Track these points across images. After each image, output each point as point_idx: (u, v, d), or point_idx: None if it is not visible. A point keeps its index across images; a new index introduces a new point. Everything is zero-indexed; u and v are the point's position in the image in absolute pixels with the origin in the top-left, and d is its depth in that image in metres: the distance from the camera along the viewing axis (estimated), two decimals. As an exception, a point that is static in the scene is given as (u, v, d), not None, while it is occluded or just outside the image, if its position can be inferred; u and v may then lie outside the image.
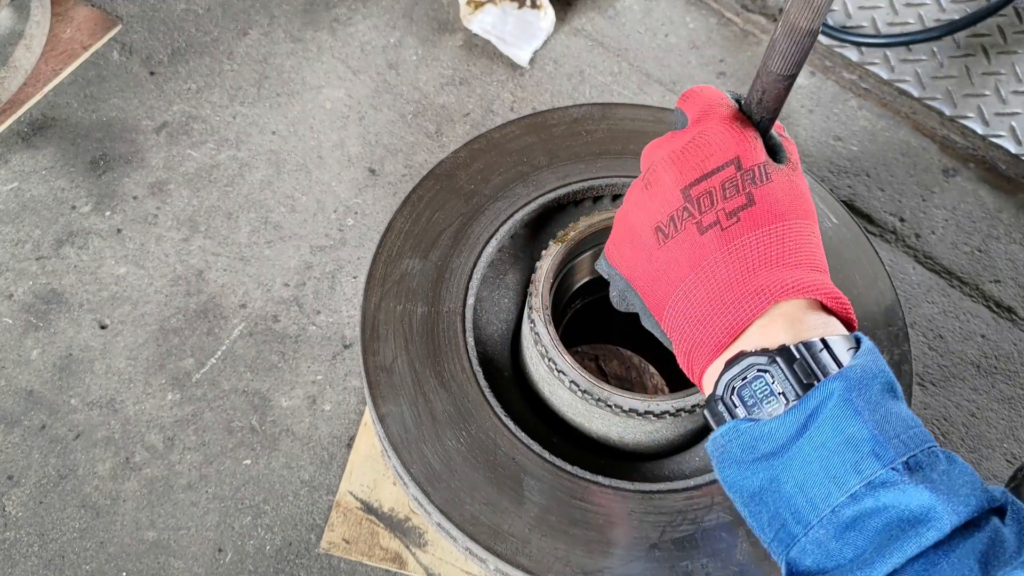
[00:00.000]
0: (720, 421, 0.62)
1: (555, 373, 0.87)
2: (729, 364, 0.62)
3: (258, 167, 1.32)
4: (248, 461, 1.10)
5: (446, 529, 0.87)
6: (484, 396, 0.91)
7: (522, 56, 1.43)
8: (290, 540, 1.06)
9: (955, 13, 1.50)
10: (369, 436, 1.10)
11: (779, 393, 0.59)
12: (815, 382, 0.58)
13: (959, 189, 1.37)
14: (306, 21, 1.47)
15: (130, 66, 1.40)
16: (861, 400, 0.56)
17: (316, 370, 1.17)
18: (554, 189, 1.04)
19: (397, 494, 1.06)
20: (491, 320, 1.02)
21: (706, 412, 0.64)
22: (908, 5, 1.52)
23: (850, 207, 1.32)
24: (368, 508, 1.06)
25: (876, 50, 1.47)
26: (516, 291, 1.04)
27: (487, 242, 1.00)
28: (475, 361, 0.93)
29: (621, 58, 1.47)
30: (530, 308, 0.89)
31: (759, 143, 0.66)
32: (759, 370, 0.60)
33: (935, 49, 1.48)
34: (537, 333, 0.87)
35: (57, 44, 1.40)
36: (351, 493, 1.07)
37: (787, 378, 0.59)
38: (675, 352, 0.67)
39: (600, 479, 0.88)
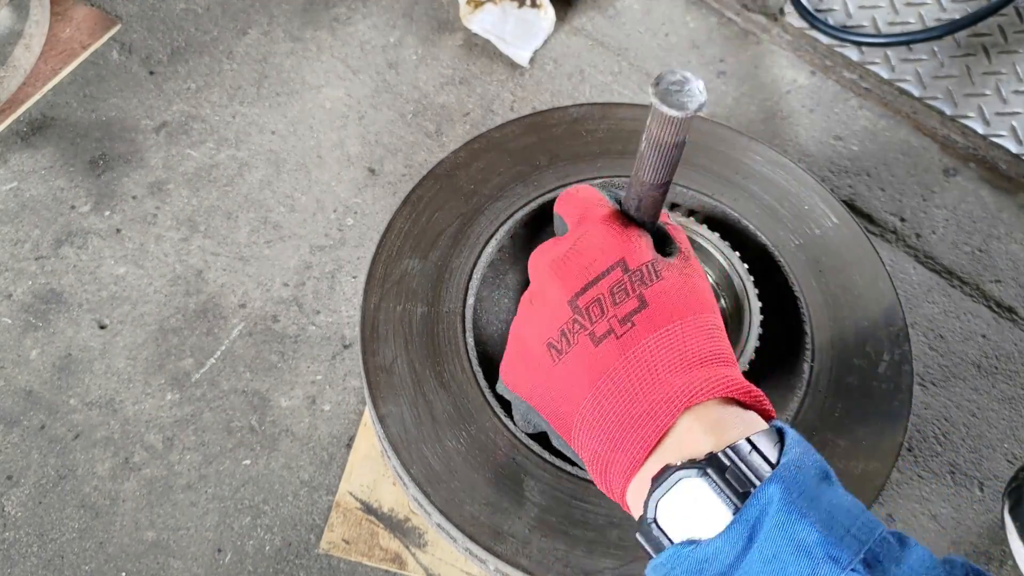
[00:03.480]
0: (658, 547, 0.56)
1: (555, 373, 0.87)
2: (656, 480, 0.56)
3: (257, 167, 1.32)
4: (247, 461, 1.10)
5: (446, 530, 0.86)
6: (484, 396, 0.91)
7: (522, 56, 1.42)
8: (290, 540, 1.06)
9: (956, 12, 1.50)
10: (369, 436, 1.10)
11: (717, 507, 0.54)
12: (751, 489, 0.53)
13: (960, 189, 1.37)
14: (306, 20, 1.47)
15: (129, 65, 1.40)
16: (803, 500, 0.52)
17: (316, 370, 1.16)
18: (554, 189, 1.04)
19: (397, 494, 1.06)
20: (491, 320, 1.02)
21: (639, 537, 0.58)
22: (909, 5, 1.52)
23: (850, 207, 1.32)
24: (368, 508, 1.06)
25: (877, 50, 1.47)
26: (516, 291, 1.04)
27: (487, 242, 1.00)
28: (475, 361, 0.93)
29: (621, 58, 1.47)
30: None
31: (643, 240, 0.63)
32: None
33: (936, 49, 1.48)
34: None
35: (56, 43, 1.40)
36: (351, 493, 1.07)
37: (721, 490, 0.54)
38: (589, 473, 0.63)
39: (600, 479, 0.87)
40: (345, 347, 1.18)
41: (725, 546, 0.53)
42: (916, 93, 1.43)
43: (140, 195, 1.29)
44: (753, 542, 0.52)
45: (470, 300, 0.97)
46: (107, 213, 1.27)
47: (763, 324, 0.94)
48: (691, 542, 0.54)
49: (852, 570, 0.51)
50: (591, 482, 0.87)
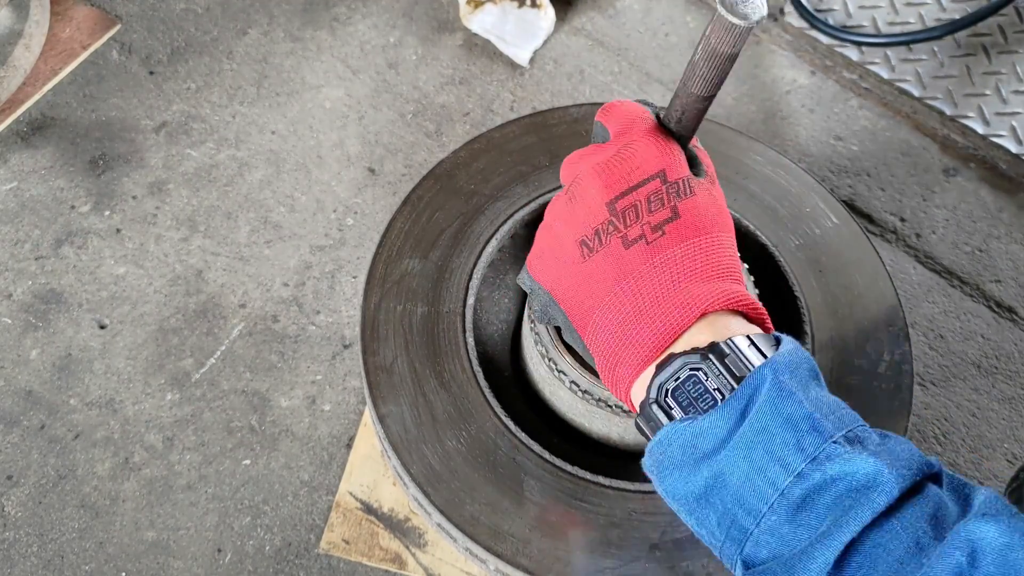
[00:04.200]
0: (656, 427, 0.61)
1: (555, 373, 0.87)
2: (660, 367, 0.61)
3: (257, 167, 1.32)
4: (247, 461, 1.10)
5: (446, 529, 0.86)
6: (484, 396, 0.91)
7: (522, 56, 1.42)
8: (289, 540, 1.06)
9: (956, 12, 1.50)
10: (369, 436, 1.10)
11: (714, 389, 0.59)
12: (748, 373, 0.58)
13: (960, 189, 1.37)
14: (306, 20, 1.47)
15: (129, 65, 1.40)
16: (793, 382, 0.57)
17: (316, 370, 1.16)
18: (554, 189, 1.04)
19: (397, 494, 1.06)
20: (491, 320, 1.02)
21: (639, 421, 0.62)
22: (909, 5, 1.52)
23: (851, 207, 1.32)
24: (368, 508, 1.06)
25: (877, 50, 1.47)
26: (516, 291, 1.04)
27: (487, 242, 1.00)
28: (475, 361, 0.93)
29: (621, 57, 1.47)
30: (530, 308, 0.89)
31: (682, 156, 0.66)
32: (692, 368, 0.59)
33: (936, 49, 1.48)
34: (537, 333, 0.87)
35: (56, 43, 1.40)
36: (351, 493, 1.07)
37: (721, 373, 0.59)
38: (598, 367, 0.66)
39: (600, 479, 0.87)
40: (345, 347, 1.18)
41: (719, 421, 0.57)
42: (916, 93, 1.43)
43: (140, 195, 1.29)
44: (745, 417, 0.57)
45: (470, 300, 0.97)
46: (107, 213, 1.27)
47: (763, 324, 0.93)
48: (688, 419, 0.58)
49: (834, 442, 0.55)
50: (591, 482, 0.87)
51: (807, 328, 0.98)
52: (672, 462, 0.59)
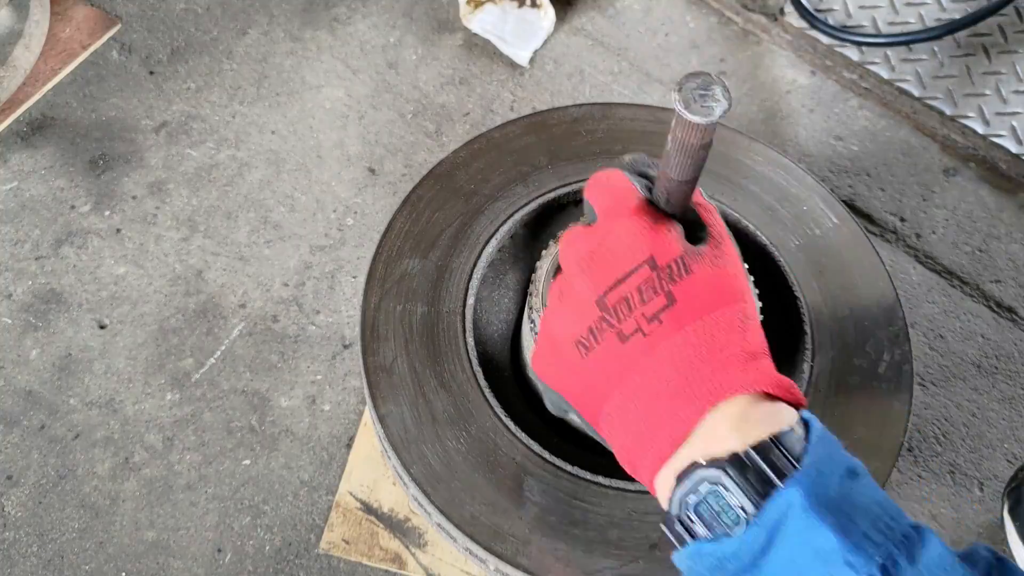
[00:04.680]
0: (680, 541, 0.59)
1: (555, 373, 0.87)
2: (680, 479, 0.58)
3: (257, 166, 1.32)
4: (247, 461, 1.10)
5: (446, 529, 0.86)
6: (484, 396, 0.91)
7: (522, 56, 1.42)
8: (289, 540, 1.06)
9: (956, 12, 1.50)
10: (369, 436, 1.10)
11: (738, 507, 0.55)
12: (772, 490, 0.55)
13: (960, 189, 1.37)
14: (305, 20, 1.47)
15: (129, 65, 1.40)
16: (822, 504, 0.53)
17: (316, 370, 1.16)
18: (554, 189, 1.04)
19: (397, 494, 1.06)
20: (491, 320, 1.02)
21: (664, 528, 0.60)
22: (908, 4, 1.52)
23: (850, 207, 1.32)
24: (368, 508, 1.06)
25: (876, 49, 1.47)
26: (516, 291, 1.04)
27: (487, 242, 1.00)
28: (475, 361, 0.93)
29: (621, 57, 1.47)
30: (530, 308, 0.89)
31: (672, 234, 0.62)
32: (711, 483, 0.56)
33: (936, 49, 1.48)
34: (537, 333, 0.87)
35: (56, 43, 1.40)
36: (351, 493, 1.07)
37: (743, 490, 0.55)
38: (619, 461, 0.65)
39: (600, 479, 0.87)
40: (345, 347, 1.18)
41: (744, 547, 0.55)
42: (916, 93, 1.43)
43: (140, 195, 1.29)
44: (772, 544, 0.54)
45: (470, 300, 0.97)
46: (107, 213, 1.27)
47: (763, 324, 0.93)
48: (712, 540, 0.56)
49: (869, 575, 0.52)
50: (591, 482, 0.87)
51: (807, 328, 0.98)
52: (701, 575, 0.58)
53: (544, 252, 0.91)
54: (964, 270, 1.29)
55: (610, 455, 0.94)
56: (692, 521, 0.57)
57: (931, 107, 1.42)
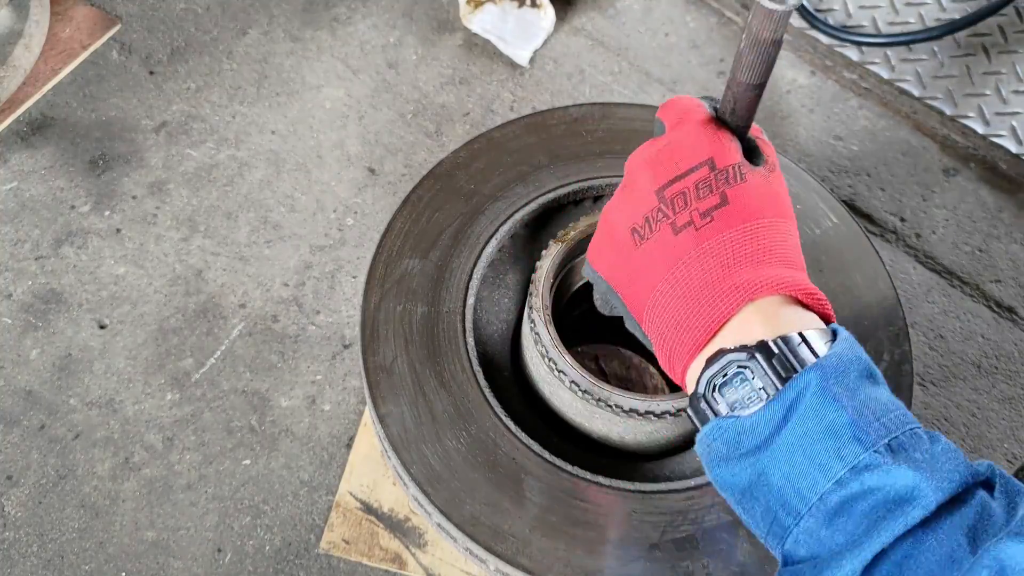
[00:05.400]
0: (703, 419, 0.63)
1: (555, 373, 0.87)
2: (709, 362, 0.62)
3: (257, 167, 1.32)
4: (247, 461, 1.10)
5: (446, 529, 0.86)
6: (484, 396, 0.91)
7: (522, 55, 1.42)
8: (289, 540, 1.06)
9: (956, 12, 1.50)
10: (369, 436, 1.10)
11: (759, 388, 0.60)
12: (794, 375, 0.59)
13: (960, 189, 1.37)
14: (306, 20, 1.47)
15: (129, 65, 1.40)
16: (839, 387, 0.57)
17: (315, 370, 1.16)
18: (554, 189, 1.04)
19: (397, 494, 1.06)
20: (491, 320, 1.02)
21: (689, 411, 0.65)
22: (909, 4, 1.52)
23: (851, 207, 1.32)
24: (368, 508, 1.06)
25: (877, 49, 1.47)
26: (516, 291, 1.04)
27: (487, 242, 1.00)
28: (475, 361, 0.93)
29: (621, 57, 1.47)
30: (530, 308, 0.89)
31: (733, 144, 0.67)
32: (739, 366, 0.61)
33: (936, 49, 1.48)
34: (537, 333, 0.87)
35: (56, 43, 1.40)
36: (351, 493, 1.07)
37: (766, 372, 0.59)
38: (655, 353, 0.68)
39: (600, 479, 0.87)
40: (345, 347, 1.18)
41: (761, 422, 0.59)
42: (916, 93, 1.43)
43: (140, 195, 1.29)
44: (788, 420, 0.58)
45: (470, 300, 0.97)
46: (107, 213, 1.27)
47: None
48: (733, 416, 0.60)
49: (875, 451, 0.55)
50: (591, 482, 0.87)
51: (807, 328, 0.98)
52: (718, 455, 0.61)
53: (544, 252, 0.91)
54: (964, 270, 1.29)
55: (611, 455, 0.94)
56: (716, 401, 0.61)
57: (931, 107, 1.42)
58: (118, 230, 1.26)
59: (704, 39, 1.50)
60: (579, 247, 0.94)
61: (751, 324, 0.62)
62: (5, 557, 1.03)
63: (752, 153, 0.69)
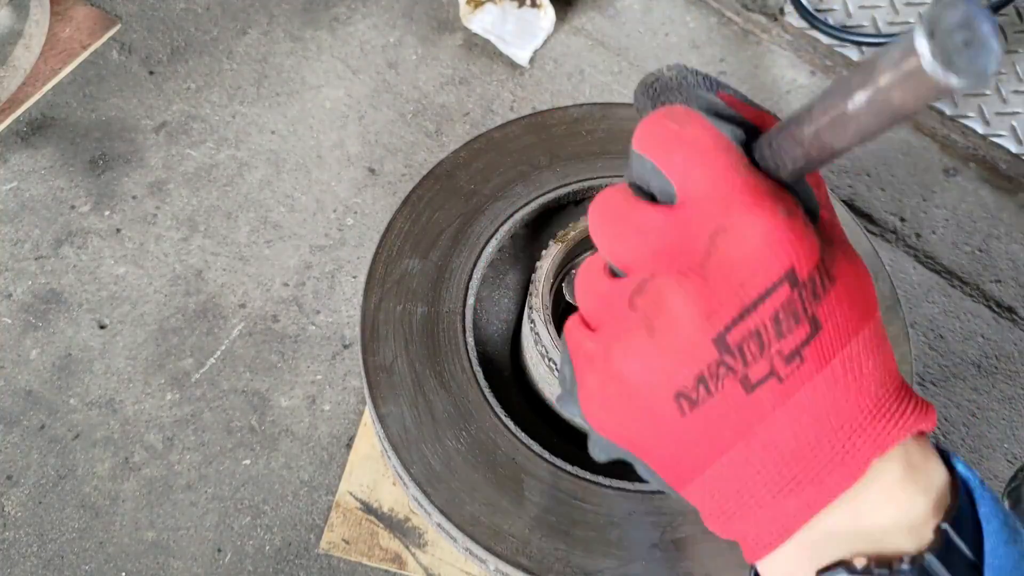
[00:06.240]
0: None
1: (555, 373, 0.87)
2: (821, 573, 0.44)
3: (257, 166, 1.32)
4: (247, 461, 1.10)
5: (446, 529, 0.86)
6: (484, 396, 0.91)
7: (522, 55, 1.42)
8: (289, 540, 1.06)
9: (956, 12, 1.50)
10: (369, 436, 1.10)
11: None
12: None
13: (960, 189, 1.37)
14: (305, 20, 1.47)
15: (129, 65, 1.40)
16: None
17: (316, 370, 1.16)
18: (554, 189, 1.04)
19: (397, 494, 1.06)
20: (491, 320, 1.02)
21: None
22: (909, 4, 1.52)
23: (850, 207, 1.32)
24: (368, 508, 1.06)
25: (877, 49, 1.47)
26: (516, 291, 1.04)
27: (487, 242, 1.00)
28: (475, 361, 0.93)
29: (621, 57, 1.47)
30: (530, 308, 0.89)
31: (810, 228, 0.42)
32: None
33: (935, 49, 1.48)
34: (537, 333, 0.87)
35: (56, 43, 1.40)
36: (351, 493, 1.07)
37: None
38: (707, 524, 0.48)
39: (600, 479, 0.87)
40: (345, 347, 1.18)
41: None
42: (916, 93, 1.43)
43: (140, 195, 1.29)
44: None
45: (470, 300, 0.97)
46: (107, 213, 1.27)
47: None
48: None
49: None
50: (591, 482, 0.87)
51: (807, 328, 0.98)
52: None
53: (544, 252, 0.91)
54: (964, 270, 1.29)
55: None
56: None
57: (931, 107, 1.42)
58: (118, 230, 1.26)
59: (704, 39, 1.50)
60: (579, 247, 0.94)
61: (869, 499, 0.43)
62: (5, 557, 1.03)
63: (801, 196, 0.44)
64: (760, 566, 0.47)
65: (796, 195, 0.44)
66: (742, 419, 0.43)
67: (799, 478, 0.43)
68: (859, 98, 0.37)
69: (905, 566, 0.42)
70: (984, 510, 0.43)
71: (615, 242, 0.45)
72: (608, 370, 0.46)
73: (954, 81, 0.33)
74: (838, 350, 0.42)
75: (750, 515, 0.45)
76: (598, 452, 0.52)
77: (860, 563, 0.42)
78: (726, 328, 0.42)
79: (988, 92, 1.43)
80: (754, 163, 0.43)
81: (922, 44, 0.33)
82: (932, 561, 0.42)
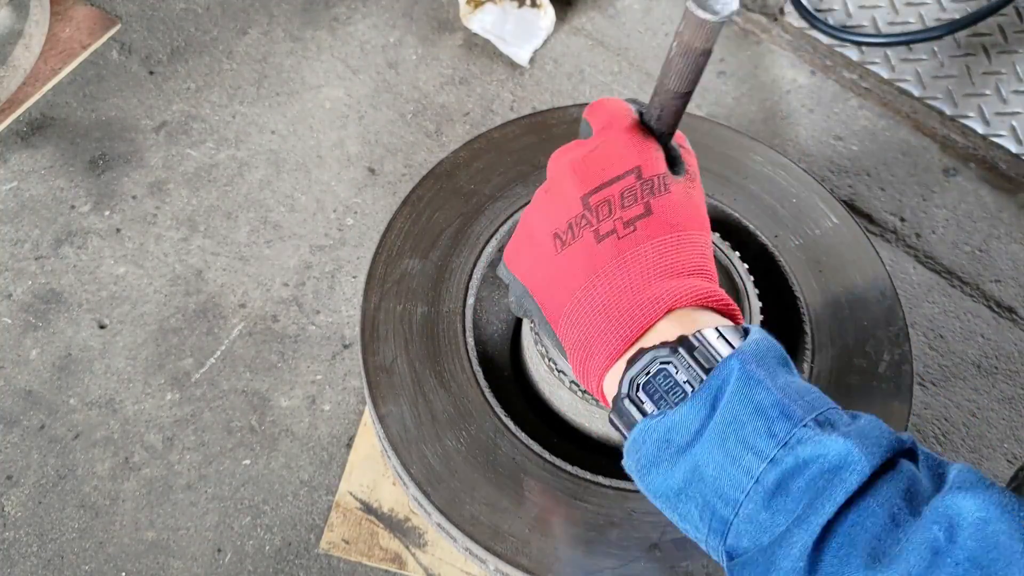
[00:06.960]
0: (629, 422, 0.61)
1: (555, 373, 0.87)
2: (631, 362, 0.62)
3: (257, 166, 1.32)
4: (247, 461, 1.10)
5: (446, 529, 0.86)
6: (484, 396, 0.91)
7: (522, 55, 1.42)
8: (289, 540, 1.06)
9: (956, 12, 1.50)
10: (369, 436, 1.10)
11: (684, 382, 0.59)
12: (716, 365, 0.59)
13: (960, 189, 1.37)
14: (305, 20, 1.47)
15: (129, 65, 1.40)
16: (761, 370, 0.57)
17: (315, 370, 1.16)
18: (554, 189, 1.04)
19: (397, 494, 1.06)
20: (491, 320, 1.02)
21: (612, 416, 0.63)
22: (909, 4, 1.52)
23: (850, 207, 1.32)
24: (368, 508, 1.06)
25: (877, 49, 1.47)
26: (516, 291, 1.04)
27: (487, 242, 1.00)
28: (475, 361, 0.93)
29: (621, 57, 1.47)
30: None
31: (659, 154, 0.67)
32: (662, 362, 0.60)
33: (936, 48, 1.48)
34: (537, 333, 0.87)
35: (56, 43, 1.40)
36: (351, 493, 1.07)
37: (690, 365, 0.59)
38: (569, 360, 0.67)
39: (600, 479, 0.87)
40: (345, 347, 1.18)
41: (690, 413, 0.58)
42: (916, 93, 1.43)
43: (140, 195, 1.29)
44: (716, 408, 0.57)
45: (470, 300, 0.97)
46: (107, 213, 1.27)
47: (763, 324, 0.94)
48: (660, 414, 0.59)
49: (804, 425, 0.55)
50: (591, 482, 0.87)
51: (807, 328, 0.98)
52: (649, 459, 0.60)
53: (544, 252, 0.91)
54: (964, 270, 1.29)
55: (611, 455, 0.94)
56: (641, 400, 0.60)
57: (931, 107, 1.42)
58: (118, 230, 1.26)
59: (704, 39, 1.50)
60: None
61: (670, 330, 0.62)
62: (5, 557, 1.03)
63: (674, 161, 0.69)
64: (605, 388, 0.65)
65: (666, 148, 0.68)
66: (593, 262, 0.65)
67: (625, 311, 0.63)
68: (673, 45, 0.62)
69: (675, 339, 0.61)
70: (754, 331, 0.61)
71: (553, 162, 0.70)
72: (523, 223, 0.71)
73: (705, 15, 0.57)
74: (663, 233, 0.65)
75: (594, 341, 0.64)
76: (512, 301, 0.74)
77: (649, 345, 0.62)
78: (589, 192, 0.65)
79: (988, 92, 1.43)
80: (643, 122, 0.68)
81: (690, 2, 0.58)
82: (697, 335, 0.60)
